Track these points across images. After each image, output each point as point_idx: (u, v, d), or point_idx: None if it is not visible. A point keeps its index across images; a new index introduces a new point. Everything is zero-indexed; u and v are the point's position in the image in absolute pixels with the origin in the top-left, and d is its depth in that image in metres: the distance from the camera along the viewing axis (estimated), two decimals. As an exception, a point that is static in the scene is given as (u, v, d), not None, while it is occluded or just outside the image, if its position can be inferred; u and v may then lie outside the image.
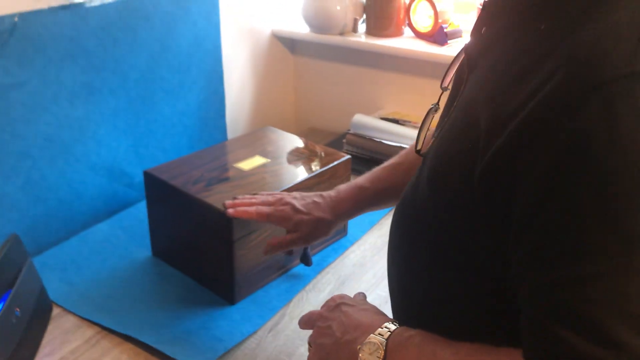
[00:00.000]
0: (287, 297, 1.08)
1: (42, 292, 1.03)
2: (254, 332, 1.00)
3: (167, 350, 0.94)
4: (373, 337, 0.63)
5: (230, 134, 1.61)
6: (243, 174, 1.12)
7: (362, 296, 0.81)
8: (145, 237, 1.22)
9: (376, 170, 0.97)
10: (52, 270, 1.13)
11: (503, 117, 0.52)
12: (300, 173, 1.13)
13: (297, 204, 0.93)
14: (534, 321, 0.49)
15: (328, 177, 1.16)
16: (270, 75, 1.74)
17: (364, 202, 0.94)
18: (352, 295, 0.78)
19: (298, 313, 1.04)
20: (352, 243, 1.25)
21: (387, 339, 0.63)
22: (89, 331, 0.99)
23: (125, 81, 1.26)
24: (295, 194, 0.96)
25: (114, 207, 1.31)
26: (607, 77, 0.46)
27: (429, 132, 0.76)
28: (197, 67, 1.43)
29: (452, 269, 0.62)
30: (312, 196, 0.95)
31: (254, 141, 1.25)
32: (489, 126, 0.53)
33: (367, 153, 1.52)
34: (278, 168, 1.14)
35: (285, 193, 0.97)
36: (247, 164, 1.15)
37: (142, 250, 1.20)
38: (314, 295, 1.09)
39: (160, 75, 1.34)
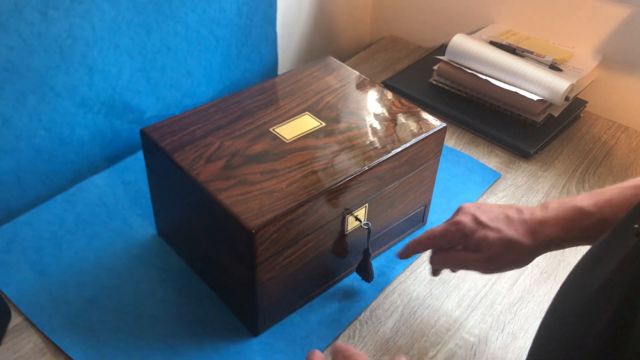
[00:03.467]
0: (331, 332, 0.76)
1: (-3, 293, 0.74)
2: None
3: None
4: None
5: (282, 48, 1.21)
6: (282, 147, 0.75)
7: None
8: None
9: (607, 190, 0.66)
10: (21, 248, 0.84)
11: None
12: (366, 152, 0.75)
13: (482, 215, 0.70)
14: None
15: (408, 158, 0.78)
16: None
17: (582, 230, 0.65)
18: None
19: (345, 363, 0.72)
20: (432, 240, 0.89)
21: None
22: (51, 366, 0.71)
23: (130, -22, 0.88)
24: (480, 204, 0.73)
25: (115, 153, 0.98)
26: None
27: None
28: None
29: None
30: (505, 208, 0.70)
31: (305, 85, 0.86)
32: None
33: (465, 91, 1.10)
34: (334, 141, 0.77)
35: (467, 204, 0.73)
36: (290, 129, 0.78)
37: (146, 223, 0.88)
38: (371, 330, 0.76)
39: (183, -33, 0.95)
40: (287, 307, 0.77)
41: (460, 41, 1.08)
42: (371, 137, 0.77)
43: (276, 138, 0.76)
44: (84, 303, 0.78)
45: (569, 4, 1.12)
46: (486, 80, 1.05)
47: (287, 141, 0.76)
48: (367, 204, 0.76)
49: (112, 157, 0.98)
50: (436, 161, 0.83)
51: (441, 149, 0.83)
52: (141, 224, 0.88)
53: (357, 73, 0.89)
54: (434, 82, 1.14)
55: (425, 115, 0.81)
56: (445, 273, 0.83)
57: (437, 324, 0.77)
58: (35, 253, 0.83)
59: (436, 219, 0.92)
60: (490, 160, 1.03)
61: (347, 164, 0.73)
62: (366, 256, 0.78)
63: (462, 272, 0.84)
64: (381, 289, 0.81)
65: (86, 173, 0.95)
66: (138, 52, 0.94)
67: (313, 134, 0.77)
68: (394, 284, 0.82)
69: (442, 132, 0.80)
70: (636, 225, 0.43)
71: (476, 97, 1.09)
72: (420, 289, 0.81)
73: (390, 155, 0.74)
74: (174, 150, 0.74)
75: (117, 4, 0.87)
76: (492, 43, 1.10)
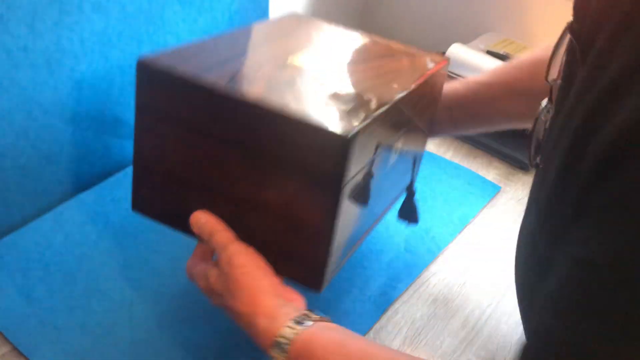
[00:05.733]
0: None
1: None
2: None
3: None
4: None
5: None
6: (309, 73, 0.64)
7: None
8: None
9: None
10: (7, 271, 0.80)
11: None
12: (397, 80, 0.68)
13: None
14: None
15: (429, 90, 0.74)
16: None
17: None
18: None
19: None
20: (434, 256, 0.87)
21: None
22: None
23: (119, -11, 0.84)
24: None
25: (105, 170, 0.94)
26: None
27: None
28: (231, -37, 0.99)
29: None
30: None
31: (292, 31, 0.81)
32: None
33: (462, 101, 1.09)
34: (358, 69, 0.71)
35: None
36: (305, 60, 0.68)
37: (138, 242, 0.85)
38: (375, 354, 0.74)
39: (173, -23, 0.91)
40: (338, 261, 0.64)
41: (457, 51, 1.06)
42: (387, 69, 0.72)
43: (296, 69, 0.65)
44: (75, 329, 0.74)
45: (564, 13, 1.10)
46: (484, 91, 1.03)
47: (309, 69, 0.66)
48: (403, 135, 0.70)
49: (102, 174, 0.94)
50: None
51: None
52: (133, 244, 0.85)
53: (349, 31, 0.85)
54: (430, 93, 1.12)
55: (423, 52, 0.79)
56: (448, 293, 0.81)
57: (442, 345, 0.75)
58: (22, 276, 0.79)
59: (440, 232, 0.90)
60: (489, 172, 1.02)
61: (398, 83, 0.66)
62: (411, 197, 0.76)
63: (464, 291, 0.82)
64: (383, 309, 0.78)
65: (74, 191, 0.91)
66: (129, 64, 0.90)
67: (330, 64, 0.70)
68: (397, 304, 0.79)
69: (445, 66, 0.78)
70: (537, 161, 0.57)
71: (473, 107, 1.07)
72: (424, 309, 0.79)
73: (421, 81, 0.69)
74: (199, 74, 0.58)
75: (106, 14, 0.84)
76: (490, 53, 1.09)
